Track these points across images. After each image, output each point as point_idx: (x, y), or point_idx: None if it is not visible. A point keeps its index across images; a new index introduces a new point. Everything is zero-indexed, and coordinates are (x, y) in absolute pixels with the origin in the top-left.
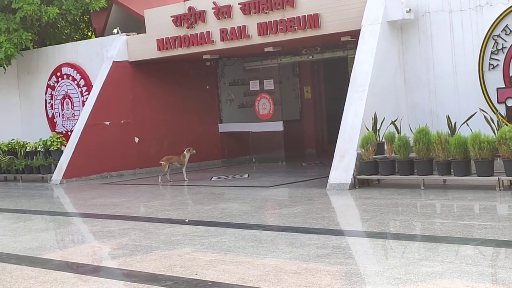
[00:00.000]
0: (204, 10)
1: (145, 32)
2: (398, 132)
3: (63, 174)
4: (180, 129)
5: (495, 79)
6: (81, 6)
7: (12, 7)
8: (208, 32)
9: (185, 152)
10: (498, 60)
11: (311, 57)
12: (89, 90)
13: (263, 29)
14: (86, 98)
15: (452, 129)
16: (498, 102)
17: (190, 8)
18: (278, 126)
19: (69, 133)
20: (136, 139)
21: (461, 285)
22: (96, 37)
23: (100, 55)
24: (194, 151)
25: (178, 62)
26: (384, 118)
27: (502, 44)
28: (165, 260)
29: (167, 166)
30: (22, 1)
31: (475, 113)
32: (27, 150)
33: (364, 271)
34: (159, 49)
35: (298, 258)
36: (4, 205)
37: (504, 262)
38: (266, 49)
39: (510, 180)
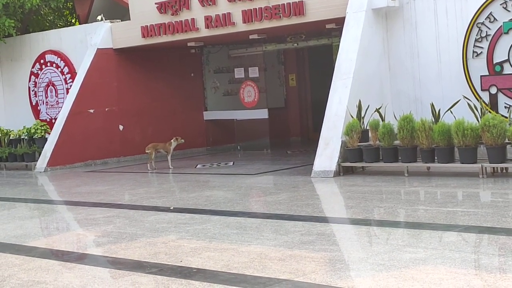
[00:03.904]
0: None
1: (129, 19)
2: (383, 120)
3: (47, 162)
4: (164, 116)
5: (479, 67)
6: None
7: None
8: (192, 19)
9: (172, 141)
10: (482, 47)
11: (296, 44)
12: (73, 78)
13: (247, 16)
14: (70, 86)
15: (436, 116)
16: (482, 90)
17: None
18: (263, 113)
19: (53, 120)
20: (121, 127)
21: (444, 271)
22: (80, 24)
23: (84, 42)
24: (182, 140)
25: (163, 49)
26: (368, 106)
27: (486, 31)
28: (150, 247)
29: (153, 153)
30: None
31: (459, 100)
32: (10, 138)
33: (348, 258)
34: (143, 36)
35: (283, 245)
36: None
37: (486, 248)
38: (251, 37)
39: (493, 167)
